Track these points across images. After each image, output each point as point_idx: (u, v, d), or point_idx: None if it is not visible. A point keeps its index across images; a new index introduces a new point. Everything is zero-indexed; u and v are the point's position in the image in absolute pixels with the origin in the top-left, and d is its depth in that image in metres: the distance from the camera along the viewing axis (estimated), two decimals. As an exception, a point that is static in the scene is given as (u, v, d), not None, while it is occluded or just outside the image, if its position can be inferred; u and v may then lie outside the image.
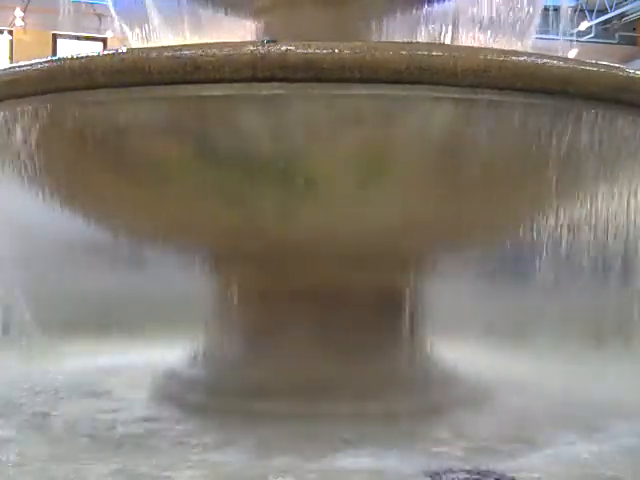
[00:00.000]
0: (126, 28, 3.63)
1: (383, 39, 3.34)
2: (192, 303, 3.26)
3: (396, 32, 3.36)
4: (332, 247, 2.61)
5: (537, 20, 3.49)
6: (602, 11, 20.79)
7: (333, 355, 2.79)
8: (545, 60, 2.30)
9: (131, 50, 2.34)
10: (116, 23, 3.67)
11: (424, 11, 3.48)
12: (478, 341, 3.41)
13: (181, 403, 2.85)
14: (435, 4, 3.48)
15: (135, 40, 3.63)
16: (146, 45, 3.59)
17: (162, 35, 3.61)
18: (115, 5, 3.78)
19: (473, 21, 3.37)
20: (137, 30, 3.60)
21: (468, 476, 2.13)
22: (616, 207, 2.60)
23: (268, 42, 2.19)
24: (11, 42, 18.57)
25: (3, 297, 2.89)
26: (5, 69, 2.60)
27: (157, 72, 2.21)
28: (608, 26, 21.26)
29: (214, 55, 2.18)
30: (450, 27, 3.42)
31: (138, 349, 3.61)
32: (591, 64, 2.40)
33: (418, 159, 2.41)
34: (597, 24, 20.70)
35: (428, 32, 3.42)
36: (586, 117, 2.35)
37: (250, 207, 2.47)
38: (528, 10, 3.45)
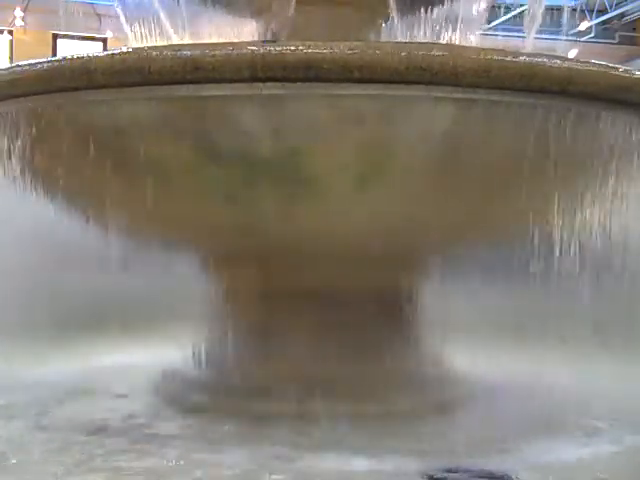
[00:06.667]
0: (127, 27, 3.62)
1: (384, 39, 3.34)
2: (192, 303, 3.25)
3: (397, 32, 3.35)
4: (332, 247, 2.61)
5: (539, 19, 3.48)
6: (602, 11, 20.81)
7: (333, 355, 2.78)
8: (545, 60, 2.30)
9: (131, 50, 2.34)
10: (122, 20, 3.65)
11: (425, 12, 3.48)
12: (479, 341, 3.40)
13: (181, 403, 2.85)
14: (436, 5, 3.48)
15: (136, 39, 3.62)
16: (146, 45, 3.58)
17: (164, 35, 3.61)
18: (119, 3, 3.77)
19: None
20: (139, 29, 3.59)
21: (468, 476, 2.13)
22: (616, 206, 2.60)
23: (268, 42, 2.20)
24: (11, 42, 18.59)
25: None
26: (5, 69, 2.60)
27: (157, 72, 2.21)
28: (608, 26, 21.28)
29: (214, 55, 2.18)
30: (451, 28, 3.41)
31: (137, 349, 3.61)
32: (591, 64, 2.40)
33: (418, 159, 2.41)
34: (597, 24, 20.72)
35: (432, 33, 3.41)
36: (586, 117, 2.35)
37: (250, 207, 2.47)
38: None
